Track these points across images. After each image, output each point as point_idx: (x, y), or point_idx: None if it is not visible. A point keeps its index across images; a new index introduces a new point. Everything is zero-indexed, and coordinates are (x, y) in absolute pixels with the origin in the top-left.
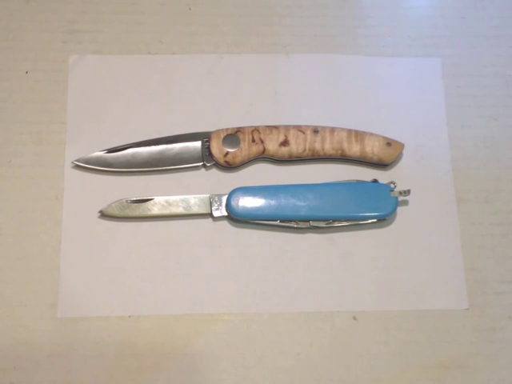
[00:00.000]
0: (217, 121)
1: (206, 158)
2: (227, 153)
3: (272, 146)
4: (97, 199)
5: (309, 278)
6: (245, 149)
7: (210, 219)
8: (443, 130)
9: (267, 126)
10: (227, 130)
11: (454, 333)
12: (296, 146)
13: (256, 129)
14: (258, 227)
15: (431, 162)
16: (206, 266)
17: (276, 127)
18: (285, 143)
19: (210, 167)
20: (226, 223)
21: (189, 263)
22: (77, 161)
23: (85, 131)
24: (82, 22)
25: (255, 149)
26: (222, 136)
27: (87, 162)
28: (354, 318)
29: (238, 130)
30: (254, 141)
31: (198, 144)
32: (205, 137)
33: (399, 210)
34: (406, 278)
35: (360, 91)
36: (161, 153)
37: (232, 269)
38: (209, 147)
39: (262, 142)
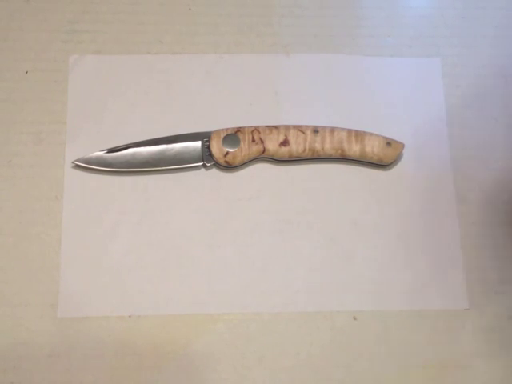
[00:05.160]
0: (217, 121)
1: (206, 157)
2: (227, 153)
3: (272, 145)
4: (97, 199)
5: (309, 277)
6: (245, 149)
7: (211, 218)
8: (443, 129)
9: (267, 126)
10: (227, 130)
11: (454, 333)
12: (296, 146)
13: (256, 129)
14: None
15: (431, 162)
16: (206, 266)
17: (276, 127)
18: (285, 143)
19: (210, 167)
20: (227, 221)
21: (189, 263)
22: (77, 161)
23: (85, 131)
24: (82, 21)
25: (255, 149)
26: (222, 136)
27: (87, 161)
28: (354, 318)
29: (238, 129)
30: (253, 141)
31: (198, 144)
32: (205, 137)
33: (399, 210)
34: (406, 277)
35: (360, 91)
36: (161, 153)
37: (232, 268)
38: (209, 147)
39: (262, 141)
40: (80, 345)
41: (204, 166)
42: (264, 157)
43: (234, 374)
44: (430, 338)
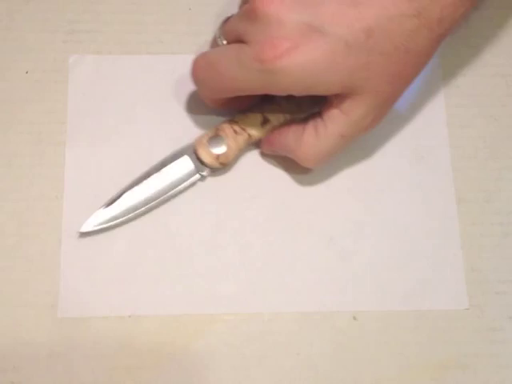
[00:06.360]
0: (218, 119)
1: (200, 168)
2: (218, 156)
3: (255, 130)
4: (97, 199)
5: (308, 277)
6: (232, 144)
7: (211, 218)
8: (443, 129)
9: (242, 114)
10: (207, 134)
11: (454, 333)
12: (277, 120)
13: (233, 119)
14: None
15: (431, 162)
16: (206, 266)
17: (250, 110)
18: (265, 122)
19: (206, 176)
20: (226, 221)
21: (189, 263)
22: (84, 229)
23: (85, 131)
24: (82, 21)
25: (241, 139)
26: (206, 142)
27: (94, 224)
28: (354, 318)
29: (217, 129)
30: (236, 132)
31: (186, 159)
32: (189, 149)
33: (398, 210)
34: (406, 277)
35: None
36: (156, 186)
37: (232, 268)
38: (198, 158)
39: (244, 129)
40: (80, 345)
41: (201, 176)
42: (254, 142)
43: (234, 374)
44: (430, 337)
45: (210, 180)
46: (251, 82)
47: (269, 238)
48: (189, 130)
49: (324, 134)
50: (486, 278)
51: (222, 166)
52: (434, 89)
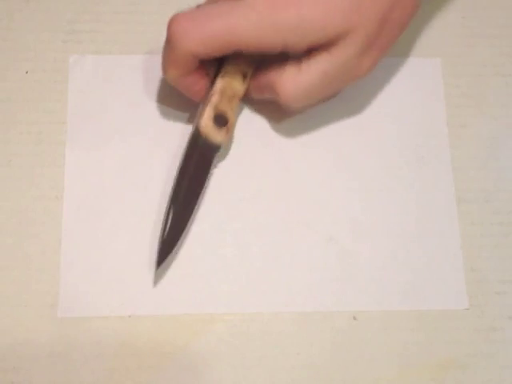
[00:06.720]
0: None
1: (213, 150)
2: (227, 130)
3: (240, 88)
4: (97, 199)
5: (308, 277)
6: (232, 112)
7: (211, 218)
8: (443, 129)
9: (224, 77)
10: (204, 112)
11: (454, 333)
12: (251, 68)
13: (219, 86)
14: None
15: (431, 162)
16: (205, 266)
17: (228, 72)
18: (245, 76)
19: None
20: (226, 221)
21: (189, 263)
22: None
23: (85, 131)
24: (82, 21)
25: (234, 103)
26: (212, 124)
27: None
28: (354, 318)
29: (214, 105)
30: (230, 100)
31: (201, 157)
32: (196, 140)
33: (399, 210)
34: (406, 277)
35: (359, 91)
36: (191, 202)
37: (232, 268)
38: (210, 143)
39: (234, 93)
40: (80, 345)
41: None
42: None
43: (234, 374)
44: (430, 337)
45: (211, 180)
46: (250, 32)
47: (268, 237)
48: (189, 129)
49: (306, 68)
50: (486, 278)
51: (229, 138)
52: (433, 89)
